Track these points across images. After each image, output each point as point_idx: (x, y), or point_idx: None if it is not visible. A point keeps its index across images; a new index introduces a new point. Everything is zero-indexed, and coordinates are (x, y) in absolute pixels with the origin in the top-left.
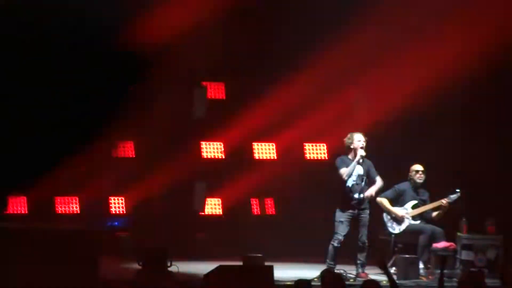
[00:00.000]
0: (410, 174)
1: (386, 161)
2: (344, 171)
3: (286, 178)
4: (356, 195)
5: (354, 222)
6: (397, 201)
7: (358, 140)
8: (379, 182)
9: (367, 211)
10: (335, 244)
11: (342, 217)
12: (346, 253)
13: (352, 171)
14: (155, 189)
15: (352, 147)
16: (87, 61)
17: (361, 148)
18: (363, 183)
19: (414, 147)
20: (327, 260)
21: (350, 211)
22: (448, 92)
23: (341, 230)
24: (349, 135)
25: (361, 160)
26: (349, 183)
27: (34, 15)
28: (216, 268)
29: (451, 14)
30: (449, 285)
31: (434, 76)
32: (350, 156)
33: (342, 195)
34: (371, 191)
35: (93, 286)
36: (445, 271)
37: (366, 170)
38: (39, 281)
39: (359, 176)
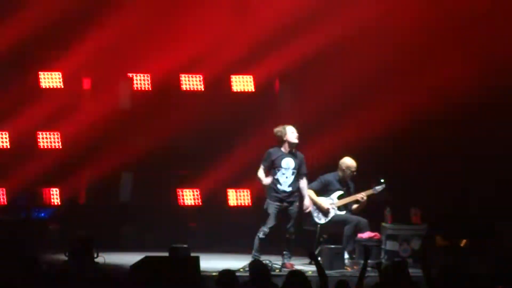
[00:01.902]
0: (343, 168)
1: (313, 152)
2: (261, 175)
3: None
4: (282, 188)
5: (282, 214)
6: (323, 191)
7: (292, 132)
8: (305, 185)
9: (296, 204)
10: (260, 236)
11: (270, 209)
12: (272, 244)
13: (267, 183)
14: (82, 180)
15: (285, 139)
16: None
17: (295, 139)
18: (293, 177)
19: (341, 139)
20: (253, 252)
21: (278, 203)
22: (368, 83)
23: (269, 222)
24: (281, 128)
25: (293, 151)
26: (278, 175)
27: None
28: (142, 259)
29: None
30: (373, 275)
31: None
32: (283, 149)
33: (271, 186)
34: (306, 203)
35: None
36: (370, 261)
37: (298, 164)
38: None
39: (289, 169)
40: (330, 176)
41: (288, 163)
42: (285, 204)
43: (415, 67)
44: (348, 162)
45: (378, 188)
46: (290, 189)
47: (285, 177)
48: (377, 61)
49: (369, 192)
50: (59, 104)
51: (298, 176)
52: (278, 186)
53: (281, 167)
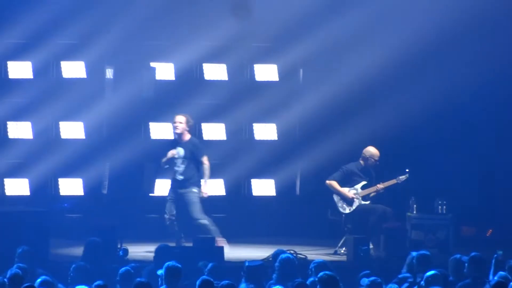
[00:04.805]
0: (367, 157)
1: (336, 141)
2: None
3: (235, 158)
4: (177, 177)
5: (178, 203)
6: (346, 181)
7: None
8: (206, 170)
9: (190, 189)
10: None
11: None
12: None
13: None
14: (107, 170)
15: None
16: None
17: (174, 129)
18: (183, 166)
19: (361, 126)
20: None
21: (171, 190)
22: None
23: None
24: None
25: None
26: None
27: None
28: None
29: None
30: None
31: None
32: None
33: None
34: (206, 190)
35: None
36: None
37: (190, 151)
38: None
39: (179, 158)
40: (351, 166)
41: (179, 152)
42: (177, 191)
43: (438, 54)
44: (372, 150)
45: (402, 177)
46: (182, 177)
47: (177, 167)
48: (400, 48)
49: (392, 181)
50: (82, 94)
51: (196, 163)
52: (173, 176)
53: (174, 157)
